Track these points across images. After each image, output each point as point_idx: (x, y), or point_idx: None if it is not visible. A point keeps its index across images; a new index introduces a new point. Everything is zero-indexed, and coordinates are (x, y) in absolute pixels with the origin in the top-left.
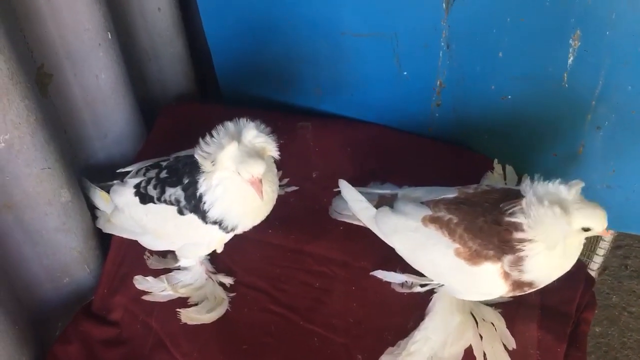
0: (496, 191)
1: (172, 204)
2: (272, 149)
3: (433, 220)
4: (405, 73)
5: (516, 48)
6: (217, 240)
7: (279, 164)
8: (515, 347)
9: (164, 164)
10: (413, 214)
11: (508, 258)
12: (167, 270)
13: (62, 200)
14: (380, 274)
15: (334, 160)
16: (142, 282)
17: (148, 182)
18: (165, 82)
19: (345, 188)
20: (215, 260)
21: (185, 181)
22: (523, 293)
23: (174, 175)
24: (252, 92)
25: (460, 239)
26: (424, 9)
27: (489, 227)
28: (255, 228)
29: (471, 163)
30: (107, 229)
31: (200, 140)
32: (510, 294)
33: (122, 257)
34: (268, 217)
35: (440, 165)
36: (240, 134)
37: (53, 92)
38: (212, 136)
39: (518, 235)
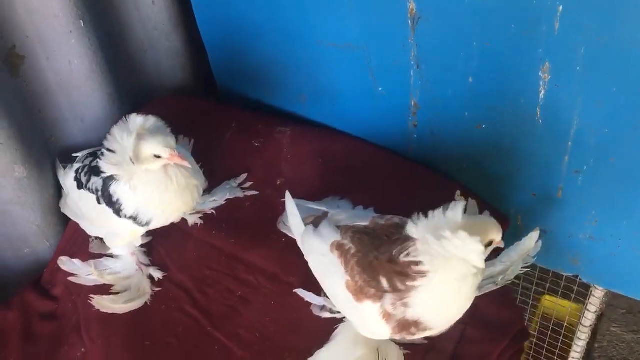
0: (403, 227)
1: (92, 192)
2: (164, 126)
3: (338, 247)
4: (380, 89)
5: (486, 75)
6: (130, 232)
7: (247, 167)
8: None
9: (98, 152)
10: (327, 238)
11: (391, 296)
12: (102, 256)
13: (15, 175)
14: (302, 293)
15: (303, 169)
16: (67, 264)
17: (83, 168)
18: (162, 75)
19: (288, 200)
20: (152, 253)
21: (104, 175)
22: (412, 336)
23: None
24: (246, 92)
25: (351, 271)
26: (391, 24)
27: (378, 264)
28: (201, 226)
29: (443, 189)
30: (63, 209)
31: (101, 156)
32: (397, 336)
33: (76, 237)
34: (215, 217)
35: (410, 188)
36: (130, 128)
37: (26, 73)
38: (108, 150)
39: (417, 268)
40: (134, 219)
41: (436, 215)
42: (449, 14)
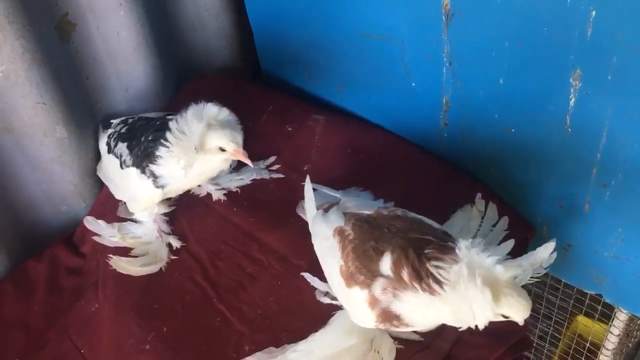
0: (403, 219)
1: (116, 157)
2: (235, 121)
3: (339, 232)
4: (413, 84)
5: (516, 77)
6: (147, 198)
7: (278, 150)
8: None
9: (130, 120)
10: (332, 223)
11: (384, 280)
12: (127, 221)
13: (57, 135)
14: (309, 277)
15: (331, 158)
16: (92, 224)
17: (114, 134)
18: (210, 54)
19: (307, 185)
20: (174, 223)
21: (133, 141)
22: (393, 328)
23: (128, 132)
24: (287, 77)
25: (346, 257)
26: (426, 18)
27: (373, 253)
28: (224, 203)
29: (467, 191)
30: (98, 172)
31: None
32: (382, 326)
33: (108, 200)
34: (239, 195)
35: (434, 186)
36: (203, 116)
37: (76, 41)
38: (180, 131)
39: (431, 283)
40: (154, 178)
41: (485, 255)
42: (481, 11)
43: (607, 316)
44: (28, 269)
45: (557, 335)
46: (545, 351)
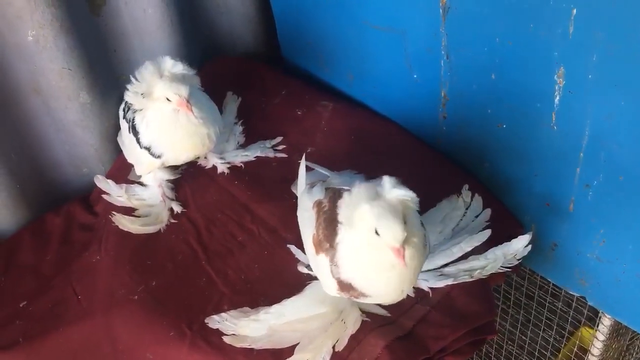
0: None
1: (127, 122)
2: (192, 76)
3: (317, 204)
4: (415, 76)
5: (507, 73)
6: (148, 163)
7: (285, 131)
8: (340, 349)
9: None
10: (314, 196)
11: (331, 252)
12: (135, 183)
13: (80, 100)
14: (293, 249)
15: (334, 142)
16: (102, 182)
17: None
18: (235, 38)
19: (302, 163)
20: (179, 189)
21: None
22: (354, 298)
23: None
24: (305, 64)
25: (318, 226)
26: (425, 11)
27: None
28: (227, 175)
29: (456, 184)
30: (118, 138)
31: (127, 85)
32: (344, 295)
33: (124, 165)
34: (242, 170)
35: (428, 177)
36: (160, 67)
37: (105, 14)
38: (136, 77)
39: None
40: (148, 150)
41: (388, 184)
42: (473, 6)
43: None
44: (46, 221)
45: (557, 345)
46: None
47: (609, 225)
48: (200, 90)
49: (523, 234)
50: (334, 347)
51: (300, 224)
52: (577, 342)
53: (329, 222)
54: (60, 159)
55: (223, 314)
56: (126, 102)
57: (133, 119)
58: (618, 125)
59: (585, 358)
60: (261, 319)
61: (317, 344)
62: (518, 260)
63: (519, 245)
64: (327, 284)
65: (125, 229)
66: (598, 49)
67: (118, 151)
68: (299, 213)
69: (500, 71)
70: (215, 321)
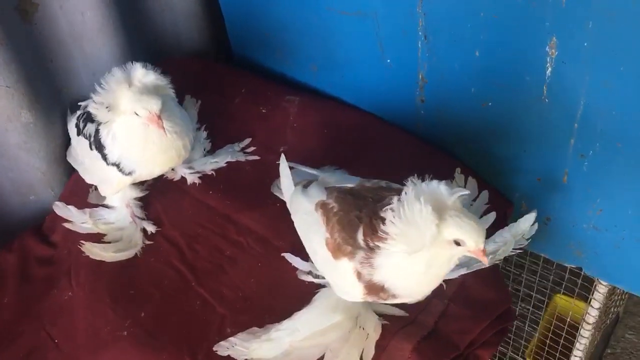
0: (390, 189)
1: (86, 138)
2: (164, 86)
3: (322, 206)
4: (388, 60)
5: (493, 48)
6: (117, 181)
7: (252, 132)
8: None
9: None
10: (314, 197)
11: (361, 254)
12: (99, 206)
13: (22, 120)
14: (290, 257)
15: (307, 138)
16: (62, 209)
17: (82, 115)
18: (179, 36)
19: (282, 163)
20: (149, 207)
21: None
22: (381, 301)
23: None
24: (259, 59)
25: (331, 229)
26: None
27: (358, 222)
28: (199, 186)
29: (445, 168)
30: (68, 158)
31: (92, 94)
32: (370, 299)
33: (78, 187)
34: (214, 178)
35: (411, 164)
36: (130, 76)
37: (39, 21)
38: (102, 87)
39: (382, 228)
40: (117, 166)
41: (433, 184)
42: None
43: (584, 295)
44: None
45: (535, 318)
46: (524, 334)
47: (606, 194)
48: (173, 99)
49: (514, 213)
50: (361, 358)
51: (299, 228)
52: (557, 309)
53: (347, 223)
54: (4, 188)
55: (231, 339)
56: (81, 116)
57: (97, 133)
58: (617, 91)
59: (580, 327)
60: (274, 337)
61: (343, 357)
62: (527, 240)
63: (526, 224)
64: (349, 290)
65: (98, 258)
66: (594, 16)
67: (68, 174)
68: (296, 217)
69: (485, 47)
70: (224, 348)
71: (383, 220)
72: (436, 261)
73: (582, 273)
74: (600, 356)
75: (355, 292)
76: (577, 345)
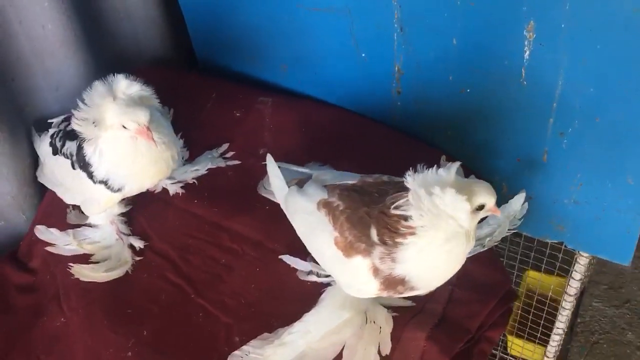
0: (393, 183)
1: (67, 157)
2: (149, 96)
3: (325, 204)
4: (363, 55)
5: (470, 35)
6: (106, 199)
7: (229, 137)
8: (388, 353)
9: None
10: (313, 196)
11: (380, 249)
12: (81, 226)
13: None
14: (288, 259)
15: (285, 139)
16: (44, 233)
17: (58, 133)
18: (140, 44)
19: (270, 163)
20: (133, 222)
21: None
22: (399, 294)
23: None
24: (226, 62)
25: (340, 227)
26: None
27: (369, 219)
28: (183, 196)
29: (427, 158)
30: (40, 178)
31: (74, 110)
32: (384, 294)
33: (53, 209)
34: (197, 187)
35: (393, 156)
36: (113, 89)
37: None
38: (84, 102)
39: (407, 223)
40: (105, 183)
41: (430, 172)
42: None
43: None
44: None
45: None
46: None
47: (585, 168)
48: (158, 110)
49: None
50: (379, 351)
51: (301, 228)
52: (526, 285)
53: (357, 221)
54: None
55: (244, 347)
56: (56, 134)
57: (79, 151)
58: (594, 68)
59: (562, 299)
60: (287, 341)
61: (361, 353)
62: (519, 220)
63: (517, 204)
64: (360, 286)
65: (89, 279)
66: None
67: (39, 195)
68: (295, 217)
69: (463, 35)
70: (239, 357)
71: (399, 217)
72: (457, 242)
73: (547, 250)
74: (572, 326)
75: (369, 289)
76: (559, 317)
